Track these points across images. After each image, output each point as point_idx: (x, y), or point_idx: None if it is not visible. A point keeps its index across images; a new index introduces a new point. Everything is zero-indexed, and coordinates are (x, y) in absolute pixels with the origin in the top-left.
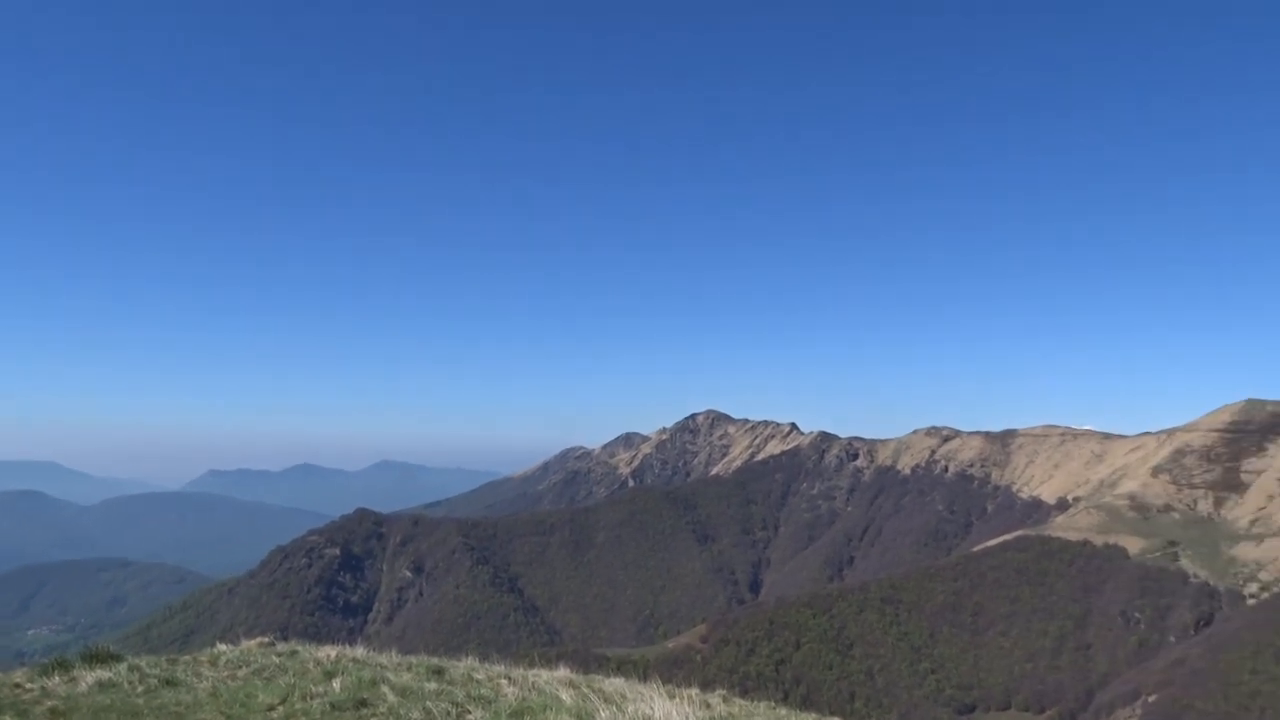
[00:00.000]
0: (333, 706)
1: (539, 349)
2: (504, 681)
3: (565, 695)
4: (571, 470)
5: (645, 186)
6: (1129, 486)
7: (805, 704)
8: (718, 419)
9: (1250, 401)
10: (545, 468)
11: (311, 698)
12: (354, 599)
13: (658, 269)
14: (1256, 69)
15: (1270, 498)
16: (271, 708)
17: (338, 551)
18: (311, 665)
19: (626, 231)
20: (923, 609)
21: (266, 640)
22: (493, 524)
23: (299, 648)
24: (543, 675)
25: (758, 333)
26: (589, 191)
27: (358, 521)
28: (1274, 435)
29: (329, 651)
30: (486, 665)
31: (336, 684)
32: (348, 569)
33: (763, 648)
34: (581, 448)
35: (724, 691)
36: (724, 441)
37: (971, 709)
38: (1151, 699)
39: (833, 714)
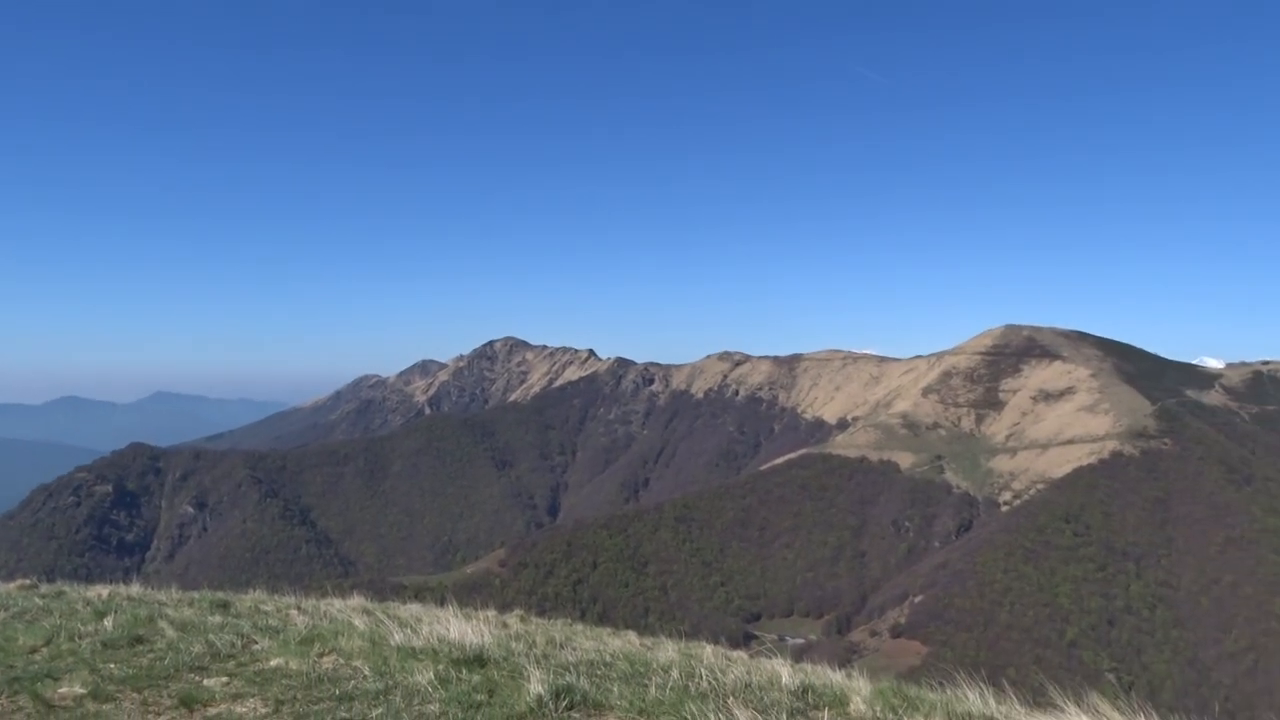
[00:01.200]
0: (104, 645)
1: (328, 273)
2: (294, 612)
3: (359, 621)
4: (365, 399)
5: (433, 102)
6: (902, 406)
7: (602, 620)
8: (516, 346)
9: (1009, 327)
10: (337, 397)
11: (80, 638)
12: (129, 538)
13: (452, 191)
14: None
15: (1024, 414)
16: (34, 650)
17: (110, 489)
18: (81, 605)
19: (417, 149)
20: (714, 526)
21: (28, 582)
22: (282, 456)
23: (66, 588)
24: (335, 604)
25: (556, 260)
26: (374, 106)
27: (131, 457)
28: (1028, 358)
29: (100, 591)
30: (276, 598)
31: (109, 622)
32: (122, 506)
33: (561, 569)
34: (375, 376)
35: (521, 612)
36: (522, 368)
37: (758, 617)
38: (918, 599)
39: (628, 628)
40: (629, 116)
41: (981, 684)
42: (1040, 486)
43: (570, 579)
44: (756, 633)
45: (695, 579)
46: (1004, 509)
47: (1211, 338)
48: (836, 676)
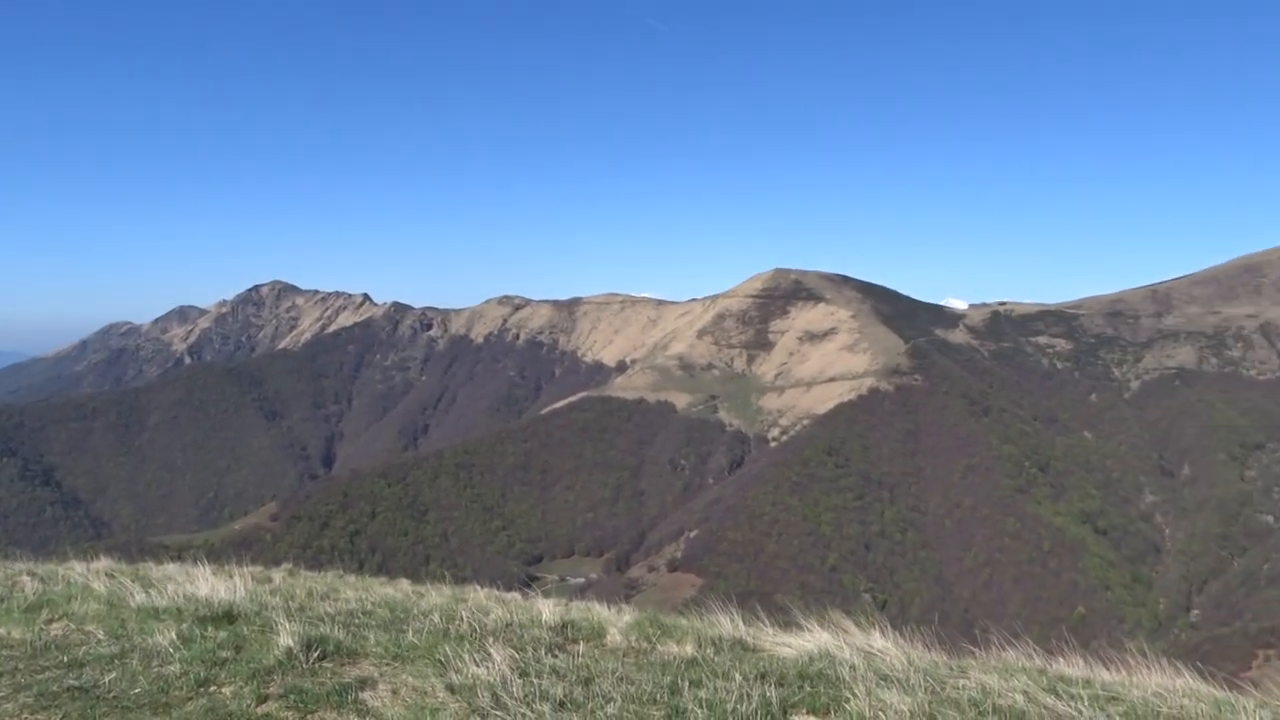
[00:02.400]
0: None
1: (66, 209)
2: (25, 578)
3: (99, 585)
4: (116, 348)
5: (184, 29)
6: (678, 348)
7: (381, 571)
8: (285, 290)
9: (778, 270)
10: (83, 346)
11: None
12: None
13: (209, 125)
14: None
15: (790, 354)
16: None
17: None
18: None
19: (163, 76)
20: (495, 471)
21: None
22: (19, 411)
23: None
24: (77, 568)
25: (326, 200)
26: (111, 34)
27: None
28: (796, 300)
29: None
30: (6, 564)
31: None
32: None
33: (337, 521)
34: (128, 323)
35: (290, 566)
36: (292, 314)
37: (539, 559)
38: (693, 534)
39: (406, 577)
40: (404, 50)
41: (738, 611)
42: (805, 422)
43: (347, 530)
44: (538, 574)
45: (477, 525)
46: (772, 445)
47: (956, 280)
48: (603, 611)
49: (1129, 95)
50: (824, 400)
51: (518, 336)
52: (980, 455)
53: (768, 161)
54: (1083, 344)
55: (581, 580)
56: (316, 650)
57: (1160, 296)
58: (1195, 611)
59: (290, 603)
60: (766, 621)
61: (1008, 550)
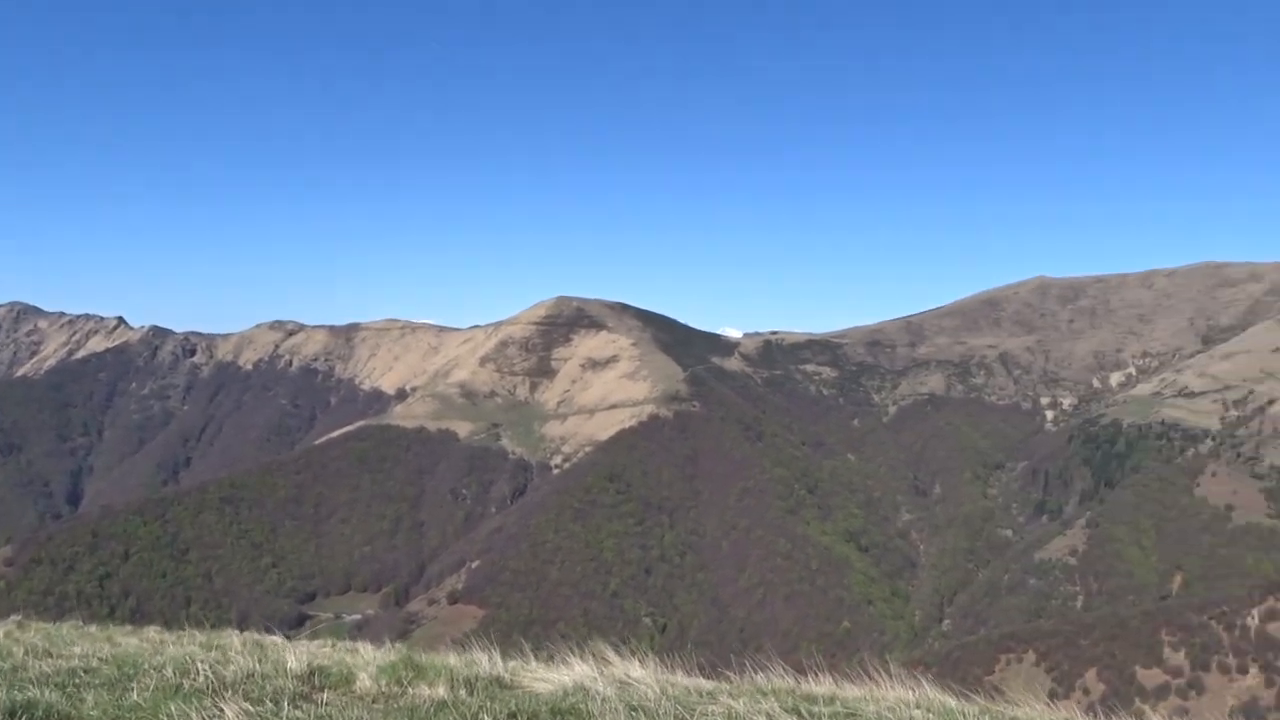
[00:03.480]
0: None
1: None
2: None
3: None
4: None
5: None
6: (460, 375)
7: (136, 616)
8: (25, 312)
9: (560, 298)
10: None
11: None
12: None
13: None
14: None
15: (573, 381)
16: None
17: None
18: None
19: None
20: (264, 505)
21: None
22: None
23: None
24: None
25: (74, 216)
26: None
27: None
28: (578, 328)
29: None
30: None
31: None
32: None
33: (84, 563)
34: None
35: (20, 617)
36: (34, 338)
37: (313, 596)
38: (474, 565)
39: (166, 623)
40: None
41: (523, 641)
42: (588, 449)
43: (96, 574)
44: (311, 613)
45: (244, 563)
46: (555, 472)
47: (732, 309)
48: (365, 652)
49: (872, 138)
50: (606, 427)
51: (290, 363)
52: (754, 478)
53: (550, 186)
54: (846, 372)
55: (358, 617)
56: (23, 716)
57: (914, 327)
58: (947, 621)
59: (3, 663)
60: (532, 655)
61: (780, 570)
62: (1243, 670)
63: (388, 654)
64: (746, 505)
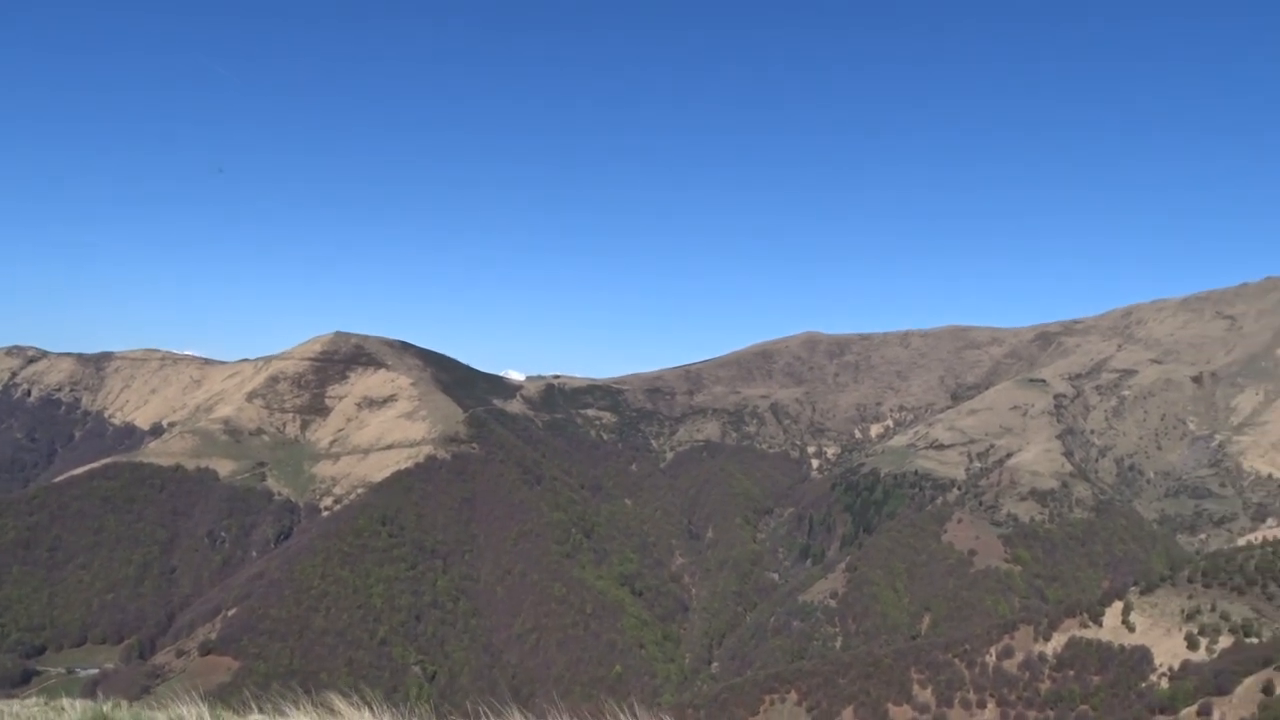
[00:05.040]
0: None
1: None
2: None
3: None
4: None
5: None
6: (224, 411)
7: None
8: None
9: (338, 334)
10: None
11: None
12: None
13: None
14: None
15: (349, 420)
16: None
17: None
18: None
19: None
20: None
21: None
22: None
23: None
24: None
25: None
26: None
27: None
28: (356, 365)
29: None
30: None
31: None
32: None
33: None
34: None
35: None
36: None
37: (42, 650)
38: (231, 613)
39: None
40: None
41: (283, 692)
42: (361, 491)
43: None
44: (41, 668)
45: None
46: (325, 514)
47: (515, 352)
48: (74, 709)
49: (633, 200)
50: (381, 468)
51: (29, 393)
52: (532, 522)
53: (328, 222)
54: (626, 417)
55: (95, 671)
56: None
57: (693, 376)
58: (715, 664)
59: None
60: (255, 707)
61: (554, 614)
62: (981, 705)
63: (88, 711)
64: (523, 549)
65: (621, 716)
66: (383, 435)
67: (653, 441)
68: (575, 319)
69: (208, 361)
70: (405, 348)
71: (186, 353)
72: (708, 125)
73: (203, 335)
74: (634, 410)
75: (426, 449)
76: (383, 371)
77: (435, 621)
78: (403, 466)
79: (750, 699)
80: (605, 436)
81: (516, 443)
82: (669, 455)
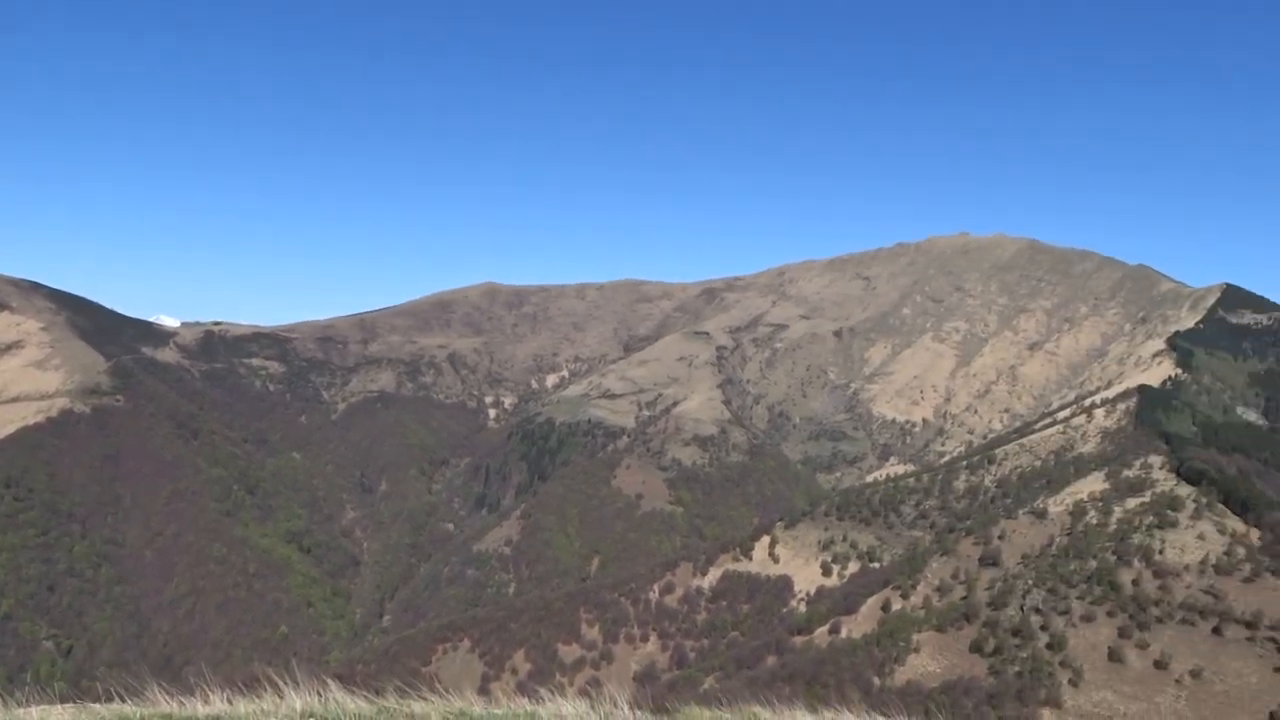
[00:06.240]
0: None
1: None
2: None
3: None
4: None
5: None
6: None
7: None
8: None
9: None
10: None
11: None
12: None
13: None
14: None
15: None
16: None
17: None
18: None
19: None
20: None
21: None
22: None
23: None
24: None
25: None
26: None
27: None
28: None
29: None
30: None
31: None
32: None
33: None
34: None
35: None
36: None
37: None
38: None
39: None
40: None
41: None
42: None
43: None
44: None
45: None
46: None
47: (168, 297)
48: None
49: (301, 131)
50: (5, 424)
51: None
52: (187, 480)
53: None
54: (295, 367)
55: None
56: None
57: (367, 325)
58: (387, 617)
59: None
60: None
61: (212, 577)
62: (644, 639)
63: None
64: (176, 509)
65: (277, 681)
66: (6, 386)
67: (324, 392)
68: (238, 261)
69: None
70: (34, 288)
71: None
72: (383, 76)
73: None
74: (304, 360)
75: (61, 402)
76: (6, 314)
77: (72, 591)
78: (31, 422)
79: (422, 650)
80: (272, 387)
81: (169, 394)
82: (341, 406)
